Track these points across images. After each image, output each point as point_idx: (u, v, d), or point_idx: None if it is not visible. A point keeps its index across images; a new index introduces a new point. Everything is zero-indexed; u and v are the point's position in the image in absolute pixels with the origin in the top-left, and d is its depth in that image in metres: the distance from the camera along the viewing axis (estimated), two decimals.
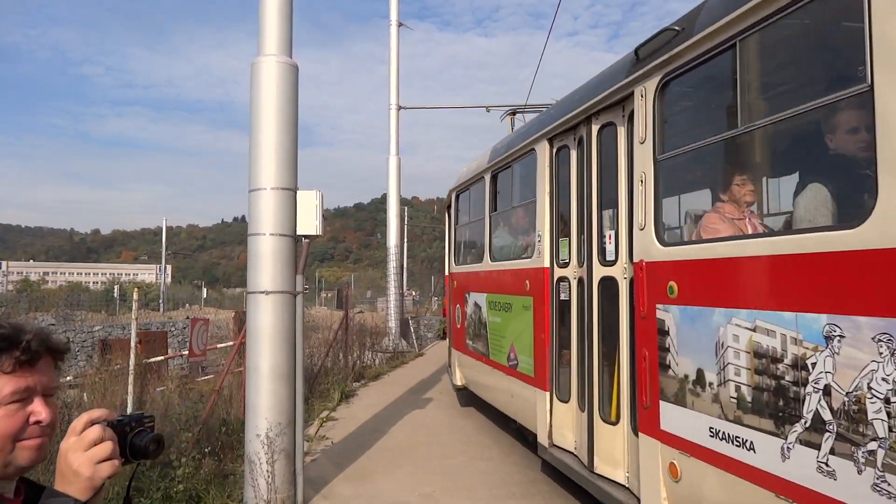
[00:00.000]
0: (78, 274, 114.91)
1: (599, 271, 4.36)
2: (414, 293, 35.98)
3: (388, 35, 16.42)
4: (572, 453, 4.76)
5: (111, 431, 1.18)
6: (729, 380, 2.91)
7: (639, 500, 3.73)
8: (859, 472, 2.24)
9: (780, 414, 2.61)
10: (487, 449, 6.40)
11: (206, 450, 5.50)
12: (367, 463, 5.90)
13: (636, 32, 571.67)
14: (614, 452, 4.19)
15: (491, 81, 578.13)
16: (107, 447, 1.16)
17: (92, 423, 1.17)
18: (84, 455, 1.14)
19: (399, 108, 16.43)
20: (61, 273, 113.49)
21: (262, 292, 4.66)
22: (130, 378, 5.69)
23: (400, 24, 16.51)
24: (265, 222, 4.71)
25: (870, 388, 2.20)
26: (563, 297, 4.95)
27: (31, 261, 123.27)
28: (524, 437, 6.49)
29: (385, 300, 16.68)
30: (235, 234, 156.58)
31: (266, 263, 4.67)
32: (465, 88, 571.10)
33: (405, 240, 56.62)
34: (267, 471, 4.52)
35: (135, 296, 6.34)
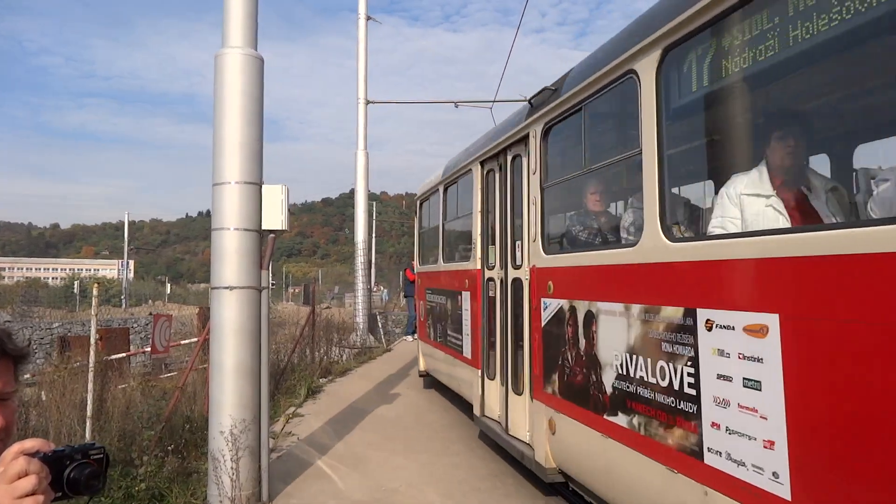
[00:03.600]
0: (36, 269, 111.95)
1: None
2: (382, 288, 35.85)
3: (357, 29, 16.33)
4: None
5: (39, 464, 1.08)
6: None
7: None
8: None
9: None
10: (454, 444, 6.43)
11: (169, 448, 5.42)
12: (333, 459, 5.88)
13: (603, 30, 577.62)
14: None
15: (459, 77, 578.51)
16: (29, 482, 1.06)
17: (22, 454, 1.08)
18: (4, 488, 1.05)
19: (367, 102, 16.34)
20: (18, 268, 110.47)
21: (227, 288, 4.61)
22: (90, 376, 5.56)
23: (368, 18, 16.43)
24: (229, 217, 4.65)
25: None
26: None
27: None
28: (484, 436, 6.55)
29: (353, 295, 16.59)
30: (200, 228, 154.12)
31: (230, 258, 4.62)
32: (433, 83, 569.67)
33: (373, 235, 56.38)
34: (231, 468, 4.48)
35: (95, 291, 6.17)
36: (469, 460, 5.83)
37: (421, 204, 9.64)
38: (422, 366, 9.30)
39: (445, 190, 7.90)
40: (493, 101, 19.14)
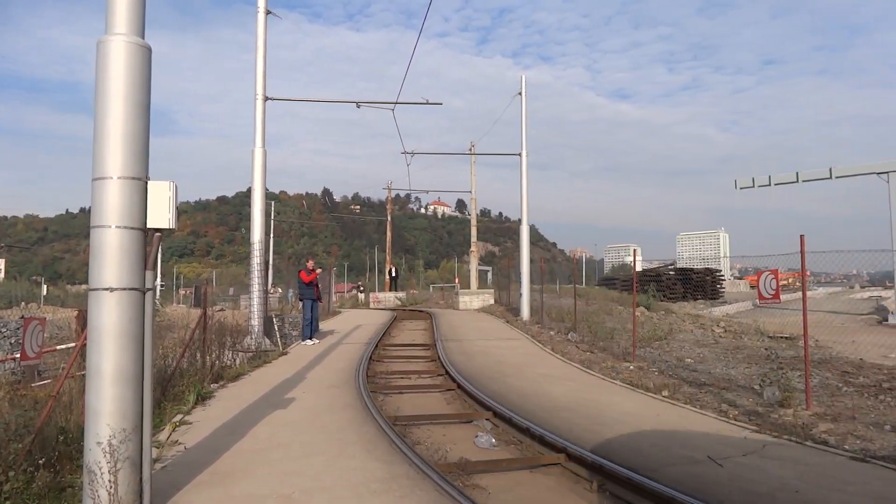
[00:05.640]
0: None
1: None
2: (278, 290, 34.94)
3: (256, 23, 15.84)
4: None
5: None
6: None
7: None
8: None
9: None
10: (351, 446, 6.36)
11: (39, 461, 5.03)
12: (223, 467, 5.67)
13: (504, 38, 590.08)
14: None
15: (361, 76, 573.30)
16: None
17: None
18: None
19: (266, 98, 15.90)
20: None
21: (107, 289, 4.33)
22: None
23: (268, 13, 15.99)
24: (111, 214, 4.38)
25: None
26: None
27: None
28: (386, 432, 6.53)
29: (248, 297, 16.06)
30: (81, 226, 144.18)
31: (111, 258, 4.35)
32: (334, 82, 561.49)
33: (271, 235, 54.93)
34: (109, 481, 4.21)
35: None
36: (365, 462, 5.78)
37: None
38: None
39: None
40: (396, 103, 19.18)
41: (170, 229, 4.67)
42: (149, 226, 4.57)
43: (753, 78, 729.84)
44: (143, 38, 4.63)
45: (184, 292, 62.48)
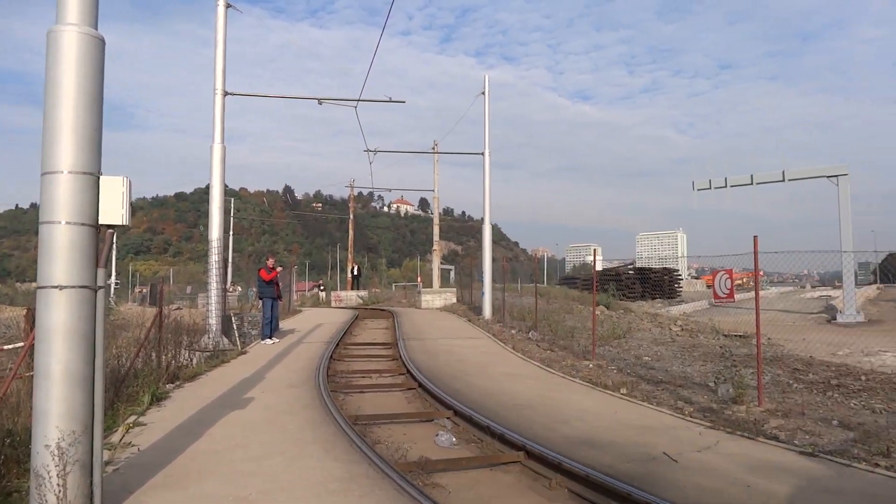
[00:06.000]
0: None
1: None
2: (237, 288, 34.37)
3: (216, 17, 15.55)
4: None
5: None
6: None
7: None
8: None
9: None
10: (310, 445, 6.30)
11: None
12: (179, 468, 5.55)
13: (467, 37, 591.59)
14: None
15: (324, 74, 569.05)
16: None
17: None
18: None
19: (225, 93, 15.63)
20: None
21: (56, 287, 4.20)
22: None
23: (228, 6, 15.71)
24: (61, 209, 4.25)
25: None
26: None
27: None
28: (346, 432, 6.50)
29: (207, 296, 15.76)
30: (31, 221, 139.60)
31: (61, 255, 4.22)
32: (297, 79, 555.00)
33: (231, 233, 54.06)
34: (58, 485, 4.08)
35: None
36: (324, 462, 5.73)
37: None
38: None
39: None
40: (359, 100, 19.05)
41: (123, 226, 4.56)
42: (101, 222, 4.44)
43: (710, 82, 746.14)
44: (96, 28, 4.50)
45: (139, 290, 61.02)
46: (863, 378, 9.95)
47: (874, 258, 45.58)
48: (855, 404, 8.46)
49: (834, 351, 14.36)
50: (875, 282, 47.62)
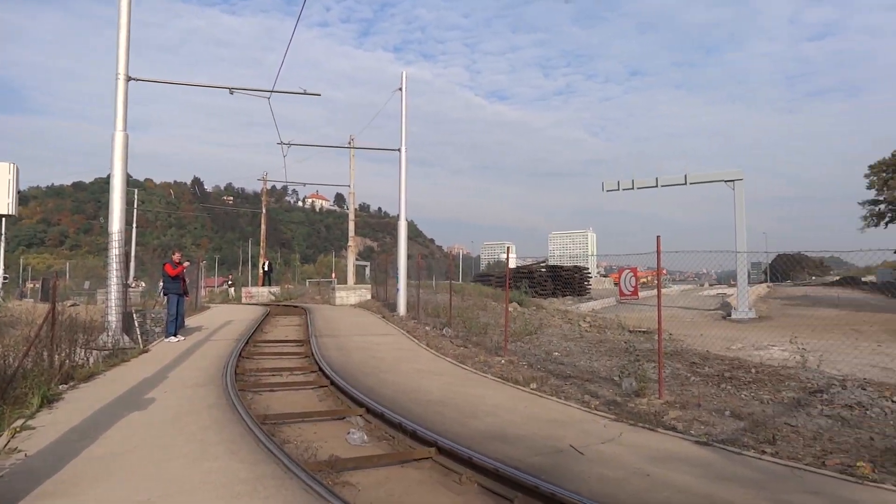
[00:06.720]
0: None
1: None
2: (141, 284, 32.79)
3: None
4: None
5: None
6: None
7: None
8: None
9: None
10: (214, 447, 6.08)
11: None
12: (71, 475, 5.23)
13: (385, 32, 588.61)
14: None
15: (237, 62, 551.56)
16: None
17: None
18: None
19: (128, 78, 14.83)
20: None
21: None
22: None
23: None
24: None
25: None
26: None
27: None
28: (253, 432, 6.33)
29: (106, 291, 14.93)
30: None
31: None
32: (208, 66, 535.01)
33: (134, 225, 51.45)
34: None
35: None
36: (229, 464, 5.54)
37: None
38: None
39: None
40: (272, 91, 18.55)
41: (10, 215, 4.24)
42: None
43: (621, 87, 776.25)
44: None
45: (31, 285, 57.11)
46: (753, 371, 10.61)
47: (765, 258, 48.75)
48: (745, 395, 9.00)
49: (728, 345, 15.27)
50: (766, 280, 51.00)
